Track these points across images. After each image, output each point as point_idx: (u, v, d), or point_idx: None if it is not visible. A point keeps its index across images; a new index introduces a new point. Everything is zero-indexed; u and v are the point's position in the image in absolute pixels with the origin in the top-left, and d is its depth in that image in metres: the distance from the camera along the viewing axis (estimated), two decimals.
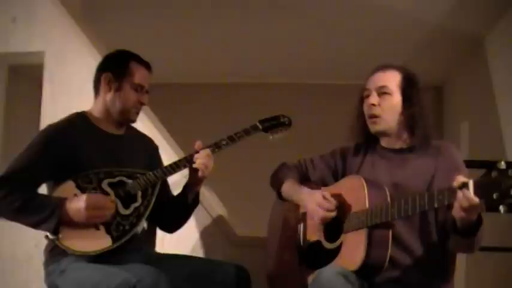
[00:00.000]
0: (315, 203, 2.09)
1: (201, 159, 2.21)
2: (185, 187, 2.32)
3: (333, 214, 2.07)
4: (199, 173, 2.22)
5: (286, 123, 2.42)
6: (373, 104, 2.10)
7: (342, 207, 2.08)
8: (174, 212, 2.36)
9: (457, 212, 1.74)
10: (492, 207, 1.61)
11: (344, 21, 4.21)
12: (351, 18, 4.15)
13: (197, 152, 2.23)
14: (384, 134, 2.14)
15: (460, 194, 1.69)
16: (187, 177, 2.33)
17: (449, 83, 5.43)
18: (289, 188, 2.25)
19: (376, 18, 4.11)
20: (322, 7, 4.01)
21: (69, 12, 3.28)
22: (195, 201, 2.35)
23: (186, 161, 2.23)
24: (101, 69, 2.30)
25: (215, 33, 4.48)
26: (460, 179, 1.71)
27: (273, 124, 2.40)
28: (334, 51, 4.81)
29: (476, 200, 1.66)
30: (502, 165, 1.58)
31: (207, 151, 2.23)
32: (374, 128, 2.13)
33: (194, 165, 2.21)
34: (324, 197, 2.08)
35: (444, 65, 5.08)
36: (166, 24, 4.36)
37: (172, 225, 2.41)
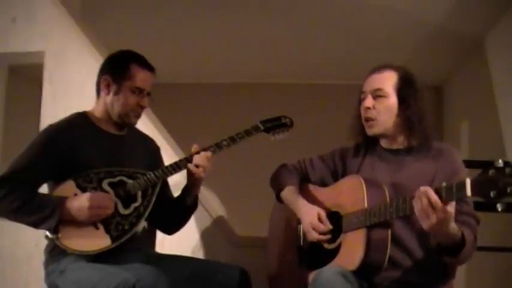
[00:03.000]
0: (309, 224, 2.09)
1: (198, 159, 2.20)
2: (184, 189, 2.32)
3: (326, 238, 2.08)
4: (196, 174, 2.21)
5: (288, 124, 2.42)
6: (368, 107, 2.10)
7: (342, 207, 2.08)
8: (173, 214, 2.36)
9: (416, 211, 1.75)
10: (490, 206, 1.61)
11: (344, 21, 4.21)
12: (351, 19, 4.15)
13: (198, 152, 2.23)
14: (381, 136, 2.14)
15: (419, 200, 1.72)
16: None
17: (449, 83, 5.43)
18: (288, 196, 2.25)
19: (376, 19, 4.11)
20: (322, 7, 4.00)
21: (69, 12, 3.27)
22: (194, 204, 2.34)
23: (187, 161, 2.23)
24: (102, 71, 2.29)
25: (215, 33, 4.48)
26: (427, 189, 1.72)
27: (274, 125, 2.39)
28: (334, 51, 4.80)
29: (435, 197, 1.69)
30: (500, 163, 1.58)
31: (207, 153, 2.22)
32: (370, 131, 2.13)
33: (190, 166, 2.20)
34: (319, 218, 2.08)
35: (444, 65, 5.08)
36: (166, 24, 4.36)
37: (172, 227, 2.41)
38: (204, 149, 2.24)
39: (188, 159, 2.23)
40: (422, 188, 1.73)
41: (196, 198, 2.34)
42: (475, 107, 4.69)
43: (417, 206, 1.74)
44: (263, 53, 4.91)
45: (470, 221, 1.94)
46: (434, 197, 1.70)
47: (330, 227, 2.07)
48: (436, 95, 5.49)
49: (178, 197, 2.35)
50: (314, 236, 2.08)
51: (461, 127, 4.87)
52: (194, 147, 2.24)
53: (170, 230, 2.42)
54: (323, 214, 2.09)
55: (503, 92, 4.03)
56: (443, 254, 1.86)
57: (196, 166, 2.20)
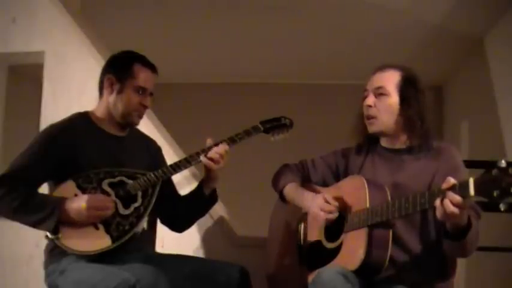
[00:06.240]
0: (317, 206, 2.09)
1: (217, 151, 2.21)
2: (201, 183, 2.34)
3: (335, 216, 2.08)
4: (215, 165, 2.22)
5: (288, 124, 2.42)
6: (369, 105, 2.11)
7: (343, 207, 2.09)
8: (187, 210, 2.36)
9: (440, 215, 1.74)
10: (492, 205, 1.62)
11: (344, 21, 4.21)
12: (351, 19, 4.16)
13: (216, 145, 2.23)
14: (382, 134, 2.15)
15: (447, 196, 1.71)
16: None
17: (449, 83, 5.43)
18: (292, 191, 2.25)
19: (376, 19, 4.12)
20: (322, 8, 4.01)
21: (69, 12, 3.27)
22: (213, 197, 2.36)
23: (187, 162, 2.23)
24: (105, 71, 2.29)
25: (216, 33, 4.49)
26: (451, 180, 1.72)
27: (274, 125, 2.39)
28: (334, 51, 4.81)
29: (458, 198, 1.68)
30: (503, 163, 1.58)
31: (225, 146, 2.23)
32: (370, 128, 2.14)
33: (208, 155, 2.22)
34: (326, 200, 2.09)
35: (444, 65, 5.09)
36: (166, 24, 4.36)
37: (184, 223, 2.40)
38: (203, 150, 2.24)
39: (188, 160, 2.23)
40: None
41: (215, 191, 2.35)
42: (475, 107, 4.70)
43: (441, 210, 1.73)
44: (264, 53, 4.91)
45: (473, 214, 1.94)
46: (457, 198, 1.70)
47: (336, 203, 2.07)
48: (436, 94, 5.50)
49: (194, 192, 2.35)
50: (323, 216, 2.08)
51: (461, 127, 4.88)
52: (209, 141, 2.25)
53: (183, 226, 2.41)
54: (329, 196, 2.09)
55: (503, 91, 4.04)
56: (451, 238, 1.85)
57: (215, 158, 2.22)
